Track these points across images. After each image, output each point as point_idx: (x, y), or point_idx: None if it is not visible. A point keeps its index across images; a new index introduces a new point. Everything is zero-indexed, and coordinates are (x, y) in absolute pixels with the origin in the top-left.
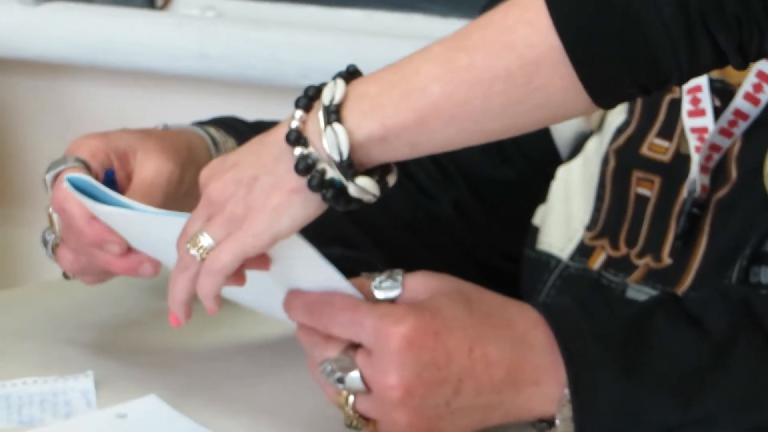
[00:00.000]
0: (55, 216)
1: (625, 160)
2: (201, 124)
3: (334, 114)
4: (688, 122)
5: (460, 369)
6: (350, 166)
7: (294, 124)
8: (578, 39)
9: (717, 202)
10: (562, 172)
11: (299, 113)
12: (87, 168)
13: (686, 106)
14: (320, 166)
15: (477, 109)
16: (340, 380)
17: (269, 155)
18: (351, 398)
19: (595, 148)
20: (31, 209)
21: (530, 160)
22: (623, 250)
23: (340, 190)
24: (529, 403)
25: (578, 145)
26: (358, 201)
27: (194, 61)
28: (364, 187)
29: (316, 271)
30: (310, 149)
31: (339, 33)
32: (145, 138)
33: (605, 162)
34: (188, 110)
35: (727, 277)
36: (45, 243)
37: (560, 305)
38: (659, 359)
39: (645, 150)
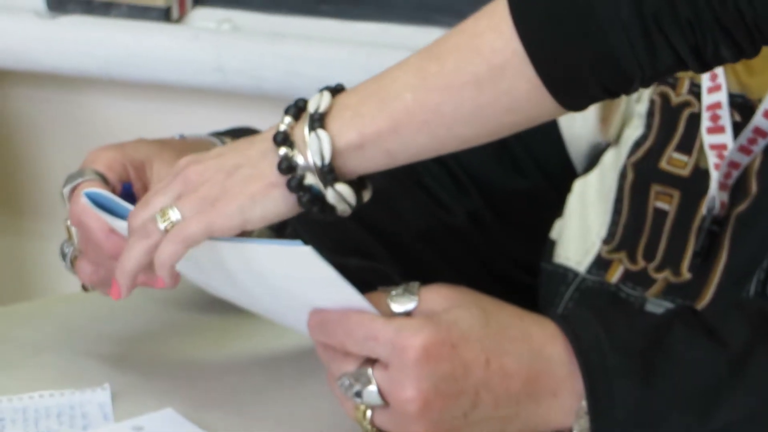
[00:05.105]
0: (73, 229)
1: (643, 173)
2: (217, 134)
3: (318, 122)
4: (707, 139)
5: (477, 381)
6: (330, 172)
7: (282, 128)
8: (539, 43)
9: (737, 216)
10: (579, 186)
11: (288, 119)
12: (104, 180)
13: (705, 122)
14: (301, 170)
15: (448, 114)
16: (358, 394)
17: (255, 151)
18: (369, 412)
19: (613, 162)
20: (47, 222)
21: (545, 171)
22: (641, 263)
23: (316, 196)
24: (546, 414)
25: (593, 158)
26: (333, 210)
27: (210, 74)
28: (341, 194)
29: (331, 288)
30: (295, 152)
31: (355, 46)
32: (161, 149)
33: (623, 175)
34: (204, 123)
35: (745, 291)
36: (63, 255)
37: (578, 316)
38: (677, 370)
39: (664, 164)
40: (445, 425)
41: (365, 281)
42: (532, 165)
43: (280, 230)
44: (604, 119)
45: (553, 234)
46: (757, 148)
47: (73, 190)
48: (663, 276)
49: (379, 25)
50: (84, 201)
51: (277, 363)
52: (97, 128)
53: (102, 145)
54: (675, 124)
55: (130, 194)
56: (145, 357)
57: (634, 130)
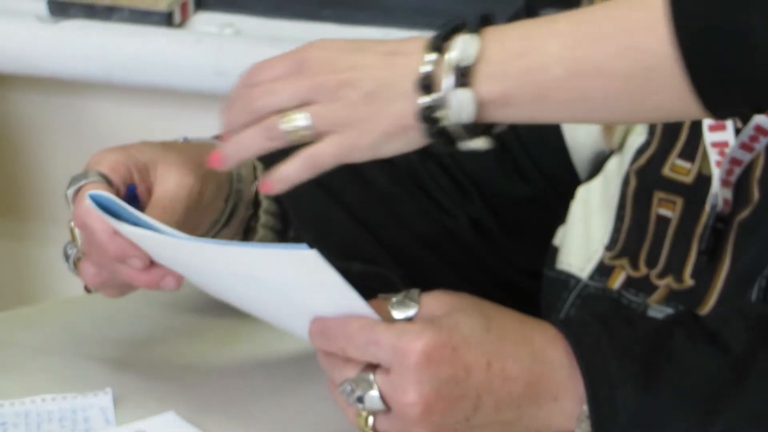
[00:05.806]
0: (76, 230)
1: (646, 180)
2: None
3: (464, 77)
4: (708, 137)
5: (478, 384)
6: (471, 129)
7: (426, 69)
8: (697, 56)
9: (739, 223)
10: (582, 192)
11: (433, 56)
12: (108, 182)
13: (707, 120)
14: (441, 112)
15: (593, 101)
16: (360, 400)
17: (397, 82)
18: (371, 419)
19: (616, 168)
20: (49, 226)
21: (548, 178)
22: (643, 270)
23: (449, 139)
24: (547, 418)
25: (597, 165)
26: (459, 150)
27: (212, 79)
28: (475, 146)
29: (334, 293)
30: (437, 97)
31: None
32: (165, 151)
33: (626, 182)
34: (206, 127)
35: (747, 298)
36: (67, 257)
37: (579, 321)
38: (678, 374)
39: (667, 171)
40: (446, 429)
41: (368, 285)
42: (534, 171)
43: (282, 233)
44: (608, 127)
45: (556, 240)
46: (759, 146)
47: (77, 192)
48: (665, 283)
49: (381, 29)
50: (88, 203)
51: (278, 366)
52: (99, 132)
53: (106, 147)
54: (678, 130)
55: (134, 196)
56: (147, 360)
57: (637, 137)
